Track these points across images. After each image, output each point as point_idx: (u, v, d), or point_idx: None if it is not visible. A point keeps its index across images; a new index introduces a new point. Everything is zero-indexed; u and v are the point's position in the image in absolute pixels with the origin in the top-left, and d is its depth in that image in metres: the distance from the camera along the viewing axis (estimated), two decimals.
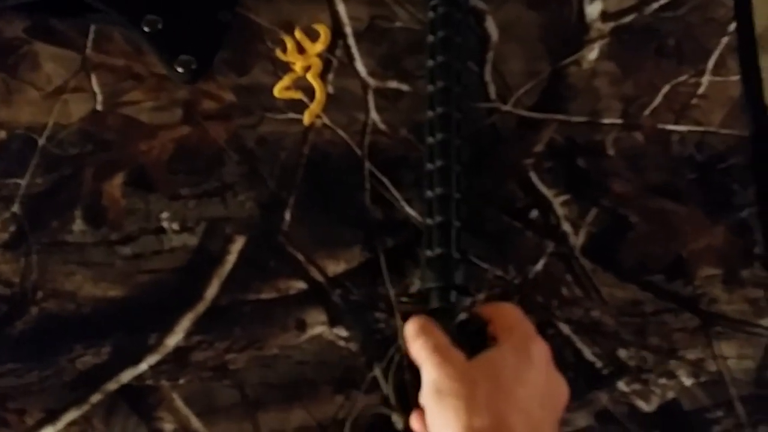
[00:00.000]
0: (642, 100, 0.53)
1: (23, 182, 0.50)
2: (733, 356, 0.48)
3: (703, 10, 0.55)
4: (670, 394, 0.48)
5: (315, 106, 0.52)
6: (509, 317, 0.40)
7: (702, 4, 0.55)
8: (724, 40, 0.54)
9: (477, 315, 0.42)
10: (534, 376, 0.37)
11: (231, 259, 0.49)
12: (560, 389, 0.39)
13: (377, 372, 0.46)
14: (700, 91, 0.53)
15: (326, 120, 0.52)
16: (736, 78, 0.53)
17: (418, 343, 0.39)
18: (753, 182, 0.51)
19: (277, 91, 0.53)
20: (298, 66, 0.53)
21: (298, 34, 0.54)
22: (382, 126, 0.52)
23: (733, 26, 0.54)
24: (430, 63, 0.51)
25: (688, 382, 0.48)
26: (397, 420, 0.45)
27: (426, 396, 0.37)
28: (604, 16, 0.55)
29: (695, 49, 0.54)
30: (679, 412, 0.47)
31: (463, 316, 0.40)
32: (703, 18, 0.55)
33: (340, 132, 0.52)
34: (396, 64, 0.53)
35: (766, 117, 0.52)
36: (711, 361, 0.48)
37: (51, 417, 0.46)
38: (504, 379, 0.36)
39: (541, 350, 0.39)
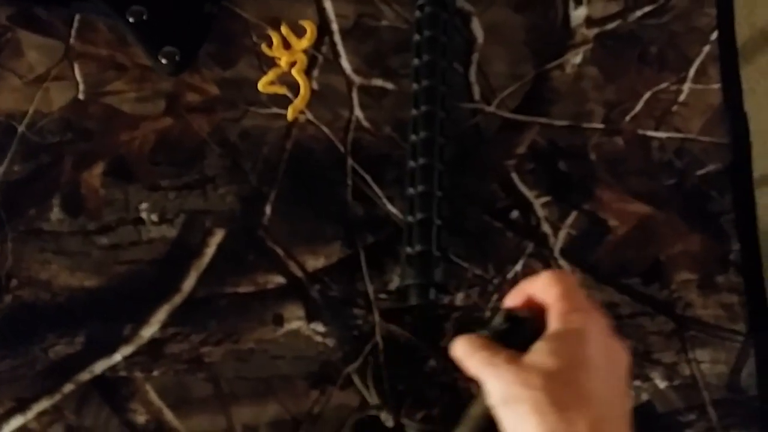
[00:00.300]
0: (624, 105, 0.53)
1: (1, 169, 0.49)
2: (706, 360, 0.48)
3: (686, 19, 0.55)
4: (644, 397, 0.48)
5: (299, 102, 0.52)
6: (549, 293, 0.37)
7: (685, 13, 0.55)
8: (706, 48, 0.55)
9: (511, 311, 0.39)
10: (592, 353, 0.35)
11: (209, 251, 0.49)
12: (620, 356, 0.36)
13: (356, 380, 0.46)
14: (681, 98, 0.54)
15: (310, 116, 0.52)
16: (716, 86, 0.54)
17: (474, 359, 0.37)
18: (730, 189, 0.51)
19: (262, 85, 0.52)
20: (284, 61, 0.53)
21: (284, 29, 0.53)
22: (365, 123, 0.52)
23: (715, 35, 0.55)
24: (416, 62, 0.51)
25: (662, 384, 0.48)
26: (386, 418, 0.45)
27: (496, 409, 0.35)
28: (589, 21, 0.55)
29: (677, 56, 0.55)
30: (653, 414, 0.47)
31: (499, 319, 0.37)
32: (685, 26, 0.55)
33: (324, 128, 0.52)
34: (381, 63, 0.53)
35: (746, 125, 0.53)
36: (685, 364, 0.48)
37: (21, 406, 0.45)
38: (562, 370, 0.34)
39: (592, 322, 0.36)
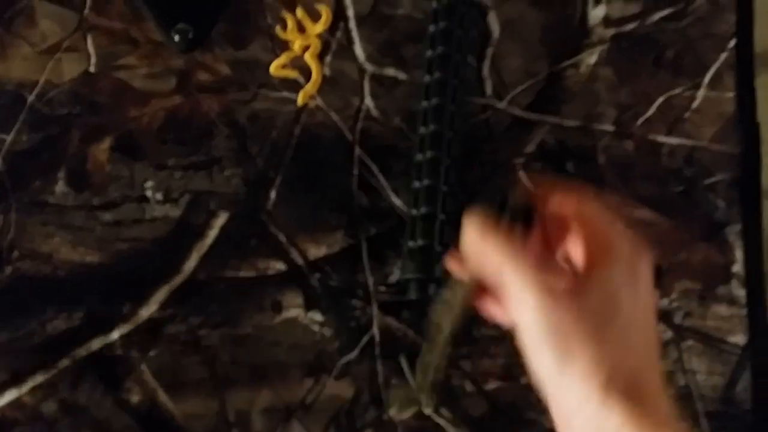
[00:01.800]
0: (636, 109, 0.50)
1: (8, 138, 0.46)
2: (702, 372, 0.45)
3: (705, 25, 0.51)
4: None
5: (310, 87, 0.48)
6: (603, 233, 0.30)
7: (704, 19, 0.51)
8: (723, 55, 0.51)
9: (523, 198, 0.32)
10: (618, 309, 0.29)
11: (212, 234, 0.45)
12: (648, 300, 0.30)
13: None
14: (694, 105, 0.50)
15: (320, 102, 0.48)
16: (730, 95, 0.50)
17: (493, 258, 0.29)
18: (738, 200, 0.48)
19: (274, 68, 0.49)
20: (297, 45, 0.49)
21: (299, 12, 0.49)
22: (375, 112, 0.48)
23: (732, 43, 0.51)
24: (429, 53, 0.48)
25: None
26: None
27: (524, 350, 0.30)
28: (607, 21, 0.51)
29: (693, 62, 0.51)
30: None
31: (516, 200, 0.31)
32: (703, 32, 0.51)
33: (333, 115, 0.48)
34: (395, 52, 0.49)
35: (758, 135, 0.49)
36: (680, 374, 0.45)
37: (16, 379, 0.43)
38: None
39: (643, 276, 0.29)
